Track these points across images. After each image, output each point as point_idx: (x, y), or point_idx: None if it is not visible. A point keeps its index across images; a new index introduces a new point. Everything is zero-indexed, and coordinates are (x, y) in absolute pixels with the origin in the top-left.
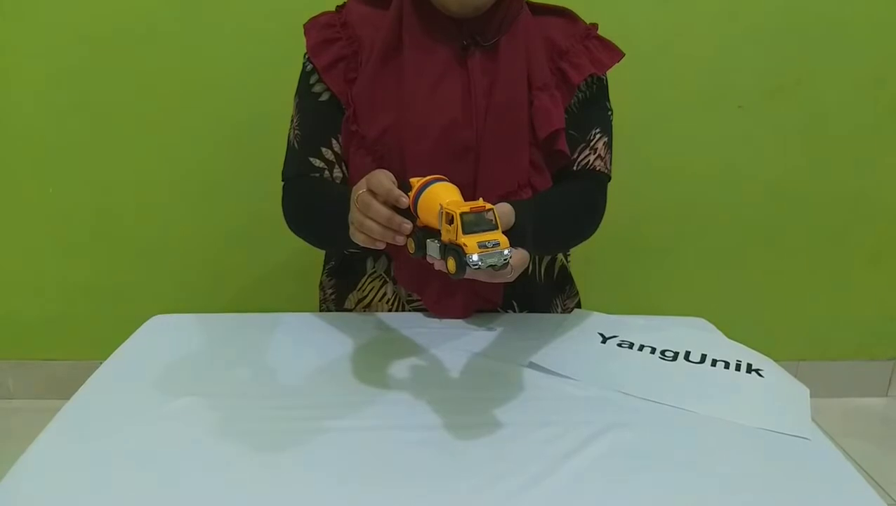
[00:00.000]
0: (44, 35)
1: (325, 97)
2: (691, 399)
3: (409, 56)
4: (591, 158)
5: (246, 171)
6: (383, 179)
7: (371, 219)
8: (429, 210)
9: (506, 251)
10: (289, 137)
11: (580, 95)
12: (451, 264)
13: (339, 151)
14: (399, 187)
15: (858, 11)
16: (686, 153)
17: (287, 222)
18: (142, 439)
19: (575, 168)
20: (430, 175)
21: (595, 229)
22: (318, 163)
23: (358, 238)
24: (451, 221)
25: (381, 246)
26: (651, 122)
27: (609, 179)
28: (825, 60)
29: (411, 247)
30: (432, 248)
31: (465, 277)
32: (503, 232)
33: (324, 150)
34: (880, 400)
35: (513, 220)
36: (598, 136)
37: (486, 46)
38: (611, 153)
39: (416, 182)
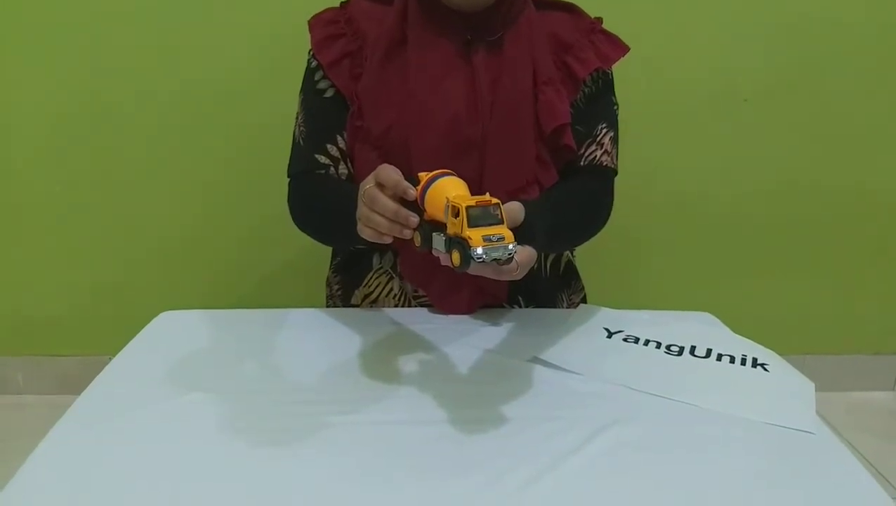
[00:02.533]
0: (51, 33)
1: (329, 94)
2: (697, 394)
3: (413, 51)
4: (598, 153)
5: (253, 168)
6: (391, 171)
7: (378, 213)
8: (436, 204)
9: (510, 245)
10: (294, 133)
11: (586, 90)
12: (456, 257)
13: (345, 148)
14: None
15: (864, 7)
16: (692, 147)
17: (293, 219)
18: (151, 434)
19: (582, 163)
20: (436, 170)
21: (603, 225)
22: (323, 159)
23: (365, 233)
24: (456, 214)
25: (389, 240)
26: (657, 117)
27: (616, 173)
28: (831, 55)
29: (417, 240)
30: (438, 241)
31: (471, 271)
32: (511, 229)
33: (329, 146)
34: (886, 394)
35: (521, 217)
36: (604, 130)
37: (491, 41)
38: (617, 148)
39: (423, 176)
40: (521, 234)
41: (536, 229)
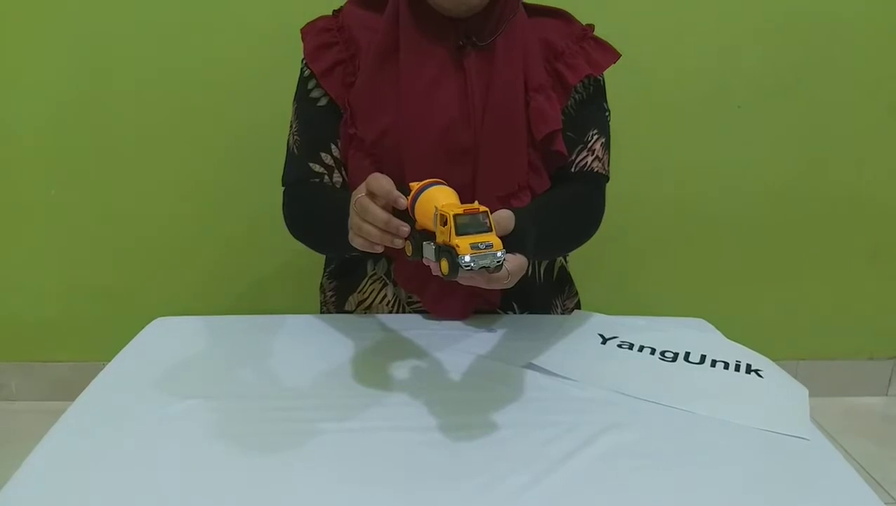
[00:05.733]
0: (46, 37)
1: (323, 102)
2: (691, 400)
3: (405, 57)
4: (589, 159)
5: (248, 174)
6: (383, 181)
7: (369, 223)
8: (425, 213)
9: (498, 253)
10: (288, 142)
11: (577, 97)
12: (444, 265)
13: (339, 156)
14: (397, 191)
15: (858, 11)
16: (685, 153)
17: (288, 228)
18: (146, 440)
19: (573, 170)
20: (428, 178)
21: (595, 231)
22: (317, 168)
23: (356, 242)
24: (445, 222)
25: (380, 249)
26: (650, 123)
27: (607, 179)
28: (824, 60)
29: (408, 249)
30: (428, 250)
31: (460, 279)
32: (502, 237)
33: (323, 155)
34: (880, 399)
35: (512, 225)
36: (595, 137)
37: (482, 47)
38: (609, 154)
39: (414, 186)
40: (512, 242)
41: (527, 237)
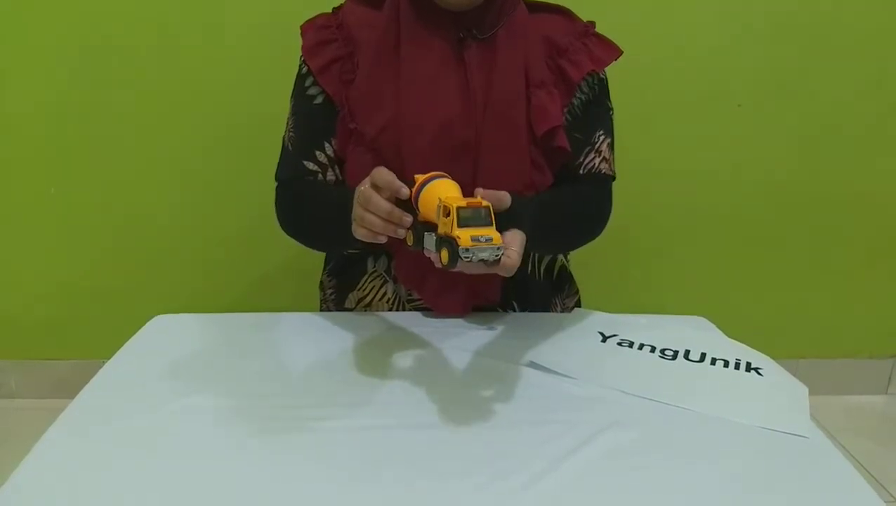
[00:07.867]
0: (45, 36)
1: (319, 100)
2: (691, 398)
3: (405, 51)
4: (597, 161)
5: (247, 171)
6: (385, 174)
7: (372, 213)
8: (429, 205)
9: (497, 247)
10: (283, 138)
11: (583, 97)
12: (444, 255)
13: (333, 155)
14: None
15: (858, 10)
16: (685, 152)
17: (281, 224)
18: (145, 438)
19: (581, 172)
20: (431, 172)
21: (601, 230)
22: (311, 166)
23: (359, 233)
24: (447, 214)
25: (383, 240)
26: (650, 121)
27: (614, 179)
28: (825, 59)
29: (410, 239)
30: (429, 240)
31: (460, 269)
32: (497, 214)
33: (318, 153)
34: (880, 398)
35: (507, 201)
36: (601, 138)
37: (483, 39)
38: (613, 153)
39: (419, 178)
40: (508, 219)
41: (525, 212)
